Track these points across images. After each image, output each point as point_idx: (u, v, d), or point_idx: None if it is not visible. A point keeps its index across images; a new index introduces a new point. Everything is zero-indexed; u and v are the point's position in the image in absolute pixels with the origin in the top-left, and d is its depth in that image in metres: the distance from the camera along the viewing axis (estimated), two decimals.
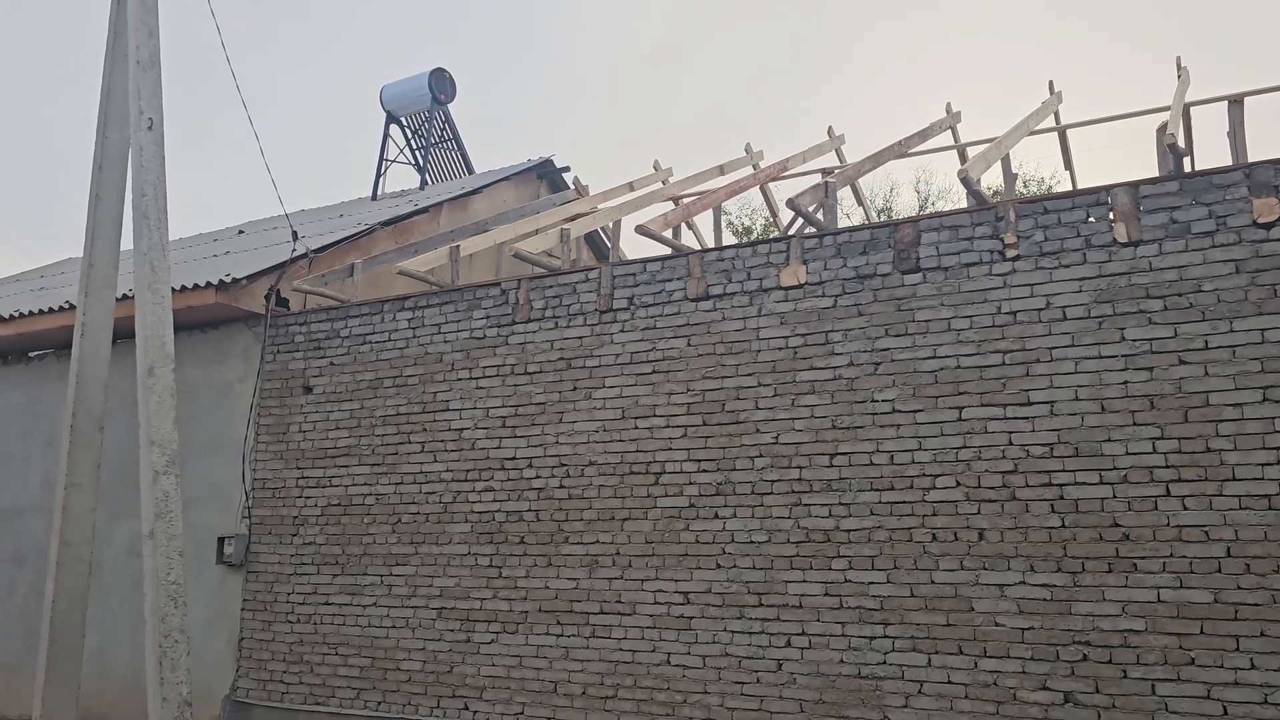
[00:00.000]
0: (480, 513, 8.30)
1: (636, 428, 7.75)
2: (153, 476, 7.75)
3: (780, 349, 7.31)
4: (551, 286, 8.39)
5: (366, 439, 9.02)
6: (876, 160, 8.63)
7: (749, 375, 7.39)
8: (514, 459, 8.24)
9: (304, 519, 9.22)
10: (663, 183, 12.53)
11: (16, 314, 10.79)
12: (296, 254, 9.96)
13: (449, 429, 8.61)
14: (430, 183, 15.25)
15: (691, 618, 7.27)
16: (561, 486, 7.97)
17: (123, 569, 10.19)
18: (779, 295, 7.40)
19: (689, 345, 7.66)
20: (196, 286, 9.42)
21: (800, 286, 7.33)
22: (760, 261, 7.53)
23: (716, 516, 7.30)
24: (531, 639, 7.87)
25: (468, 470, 8.44)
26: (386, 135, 15.24)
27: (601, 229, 12.37)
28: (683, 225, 10.55)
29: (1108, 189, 6.45)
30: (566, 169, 14.09)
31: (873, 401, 6.92)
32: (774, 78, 57.55)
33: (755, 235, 26.03)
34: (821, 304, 7.22)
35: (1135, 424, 6.11)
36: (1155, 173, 7.66)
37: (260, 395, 9.70)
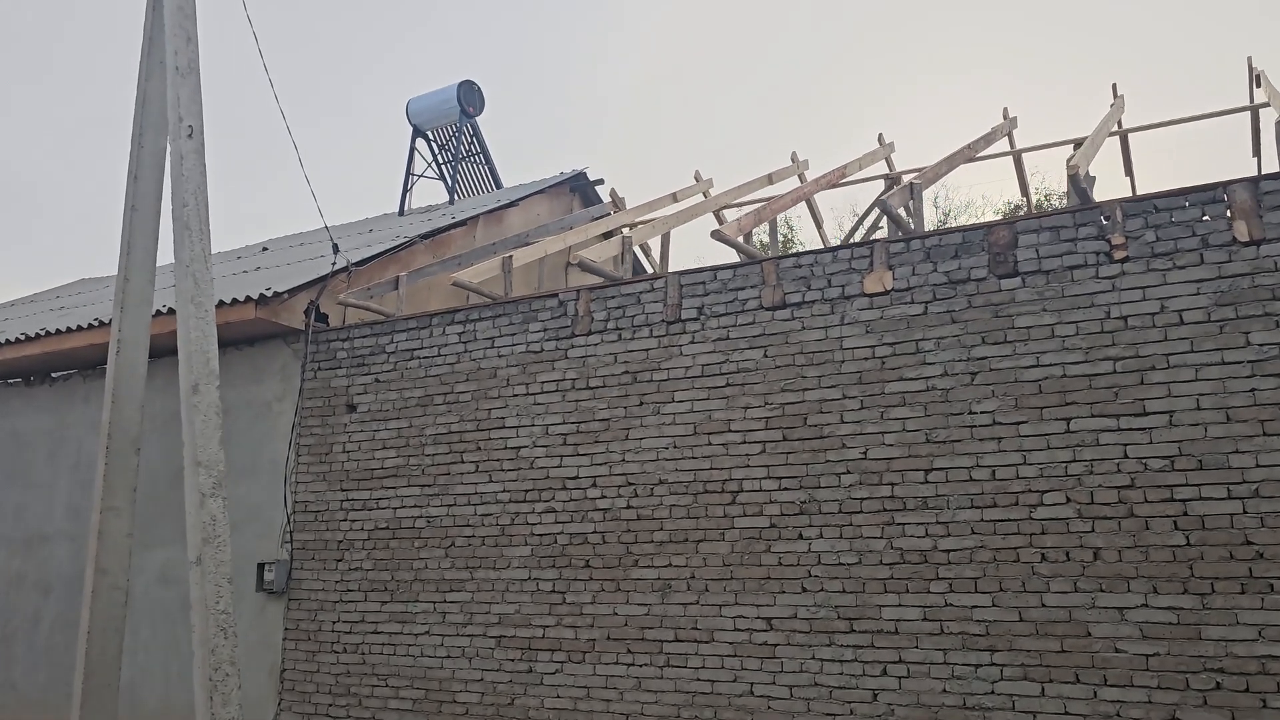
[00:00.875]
0: (541, 535, 7.88)
1: (710, 444, 7.35)
2: (199, 499, 7.33)
3: (866, 359, 6.92)
4: (614, 297, 8.00)
5: (416, 459, 8.61)
6: (950, 163, 8.30)
7: (832, 387, 7.00)
8: (576, 478, 7.83)
9: (349, 543, 8.79)
10: (704, 194, 12.18)
11: (43, 332, 10.38)
12: (337, 267, 9.57)
13: (505, 447, 8.20)
14: (459, 197, 14.88)
15: (776, 645, 6.85)
16: (629, 507, 7.56)
17: (155, 598, 9.75)
18: (863, 303, 7.02)
19: (765, 356, 7.27)
20: (235, 301, 9.02)
21: (886, 293, 6.95)
22: (841, 267, 7.16)
23: (801, 537, 6.89)
24: (600, 669, 7.44)
25: (526, 490, 8.03)
26: (413, 149, 14.88)
27: (642, 243, 12.00)
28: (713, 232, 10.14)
29: (1224, 185, 6.09)
30: (600, 182, 13.74)
31: (970, 413, 6.52)
32: (774, 95, 57.49)
33: (772, 251, 25.66)
34: (911, 311, 6.84)
35: (1265, 434, 5.72)
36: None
37: (301, 414, 9.29)
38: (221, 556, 7.30)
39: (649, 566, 7.39)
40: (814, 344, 7.12)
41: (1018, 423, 6.37)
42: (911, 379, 6.75)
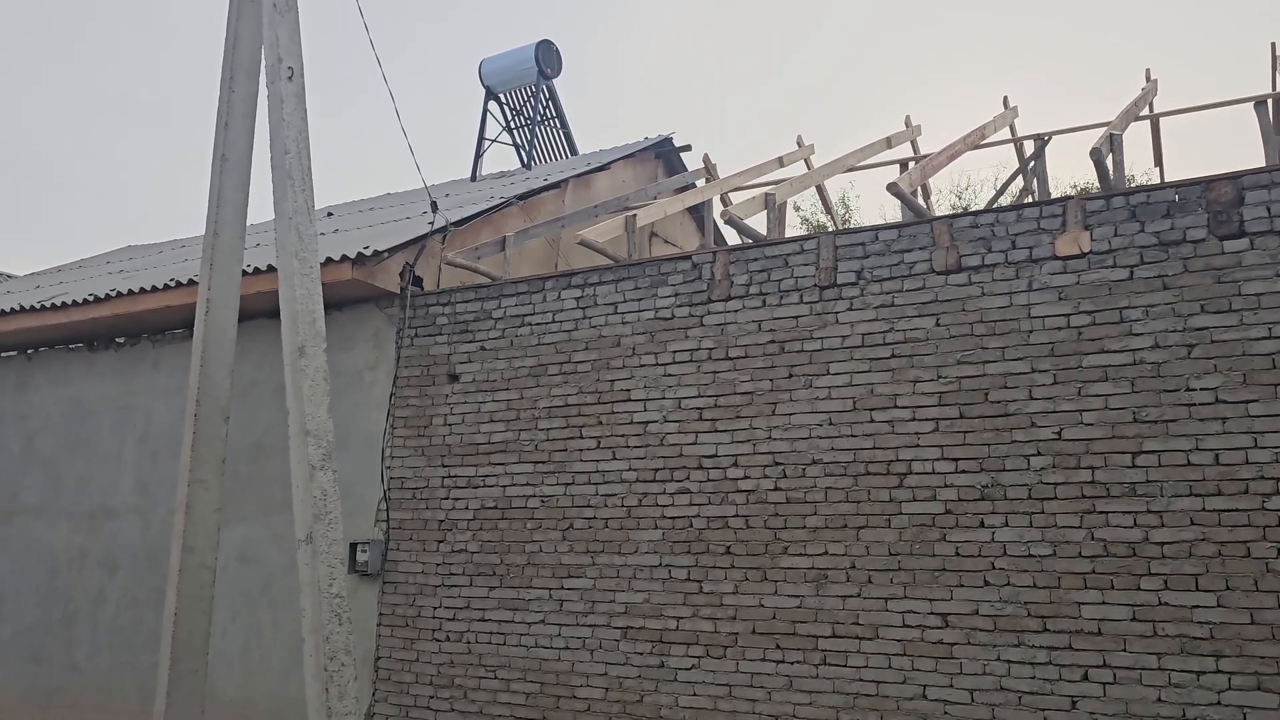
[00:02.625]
0: (674, 518, 7.21)
1: (873, 421, 6.65)
2: (308, 472, 6.69)
3: (1060, 329, 6.22)
4: (756, 259, 7.31)
5: (528, 433, 7.93)
6: (1126, 118, 7.61)
7: (1019, 359, 6.30)
8: (714, 456, 7.15)
9: (452, 523, 8.14)
10: (805, 160, 11.49)
11: (114, 293, 9.73)
12: (435, 227, 8.89)
13: (631, 422, 7.52)
14: (535, 162, 14.17)
15: (953, 644, 6.16)
16: (777, 489, 6.88)
17: (232, 578, 9.12)
18: (1055, 266, 6.31)
19: (938, 325, 6.57)
20: (330, 261, 8.35)
21: (1083, 255, 6.24)
22: (1028, 227, 6.45)
23: (983, 525, 6.21)
24: (744, 665, 6.77)
25: (656, 470, 7.35)
26: (486, 112, 14.15)
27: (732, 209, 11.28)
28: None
29: None
30: (687, 148, 13.01)
31: (1187, 390, 5.82)
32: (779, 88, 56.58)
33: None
34: (1113, 276, 6.13)
35: None
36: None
37: (397, 384, 8.62)
38: (333, 535, 6.66)
39: (800, 555, 6.72)
40: (996, 312, 6.42)
41: (1246, 401, 5.67)
42: (1115, 351, 6.04)
